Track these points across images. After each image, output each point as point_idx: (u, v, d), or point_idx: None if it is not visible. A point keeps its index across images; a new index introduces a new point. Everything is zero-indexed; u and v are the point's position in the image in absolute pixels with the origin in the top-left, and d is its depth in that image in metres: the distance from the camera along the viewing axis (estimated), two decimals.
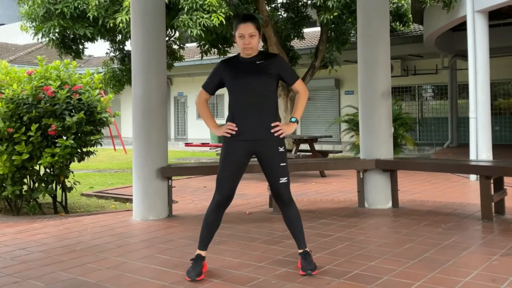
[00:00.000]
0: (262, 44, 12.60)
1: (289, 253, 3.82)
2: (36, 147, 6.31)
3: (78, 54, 11.43)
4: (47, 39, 10.86)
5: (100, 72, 11.76)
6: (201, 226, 3.40)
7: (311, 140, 9.72)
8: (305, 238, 3.42)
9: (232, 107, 3.40)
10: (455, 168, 5.66)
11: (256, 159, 3.41)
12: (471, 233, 4.47)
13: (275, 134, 3.33)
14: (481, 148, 8.36)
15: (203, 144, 14.90)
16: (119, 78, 12.53)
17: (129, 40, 8.39)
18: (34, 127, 6.16)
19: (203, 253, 3.36)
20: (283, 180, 3.34)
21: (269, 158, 3.34)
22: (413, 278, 3.19)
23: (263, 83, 3.33)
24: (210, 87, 3.50)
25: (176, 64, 13.14)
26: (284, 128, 3.35)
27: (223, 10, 9.33)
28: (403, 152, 12.26)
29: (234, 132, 3.33)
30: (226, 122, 3.41)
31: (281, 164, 3.34)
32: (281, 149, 3.37)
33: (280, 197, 3.37)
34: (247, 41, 3.29)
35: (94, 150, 6.89)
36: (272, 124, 3.34)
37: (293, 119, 3.41)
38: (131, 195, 5.61)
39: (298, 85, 3.46)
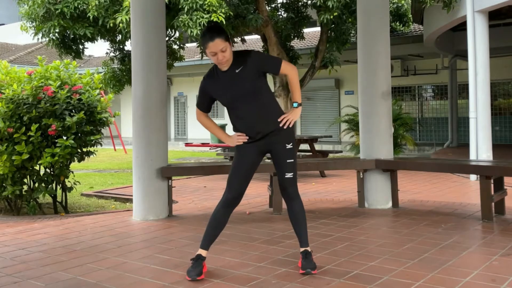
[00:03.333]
0: (262, 44, 12.61)
1: (289, 253, 3.82)
2: (36, 147, 6.31)
3: (78, 54, 11.43)
4: (47, 39, 10.86)
5: (100, 72, 11.77)
6: (206, 226, 3.41)
7: (311, 140, 9.73)
8: (307, 237, 3.42)
9: (232, 119, 3.41)
10: (455, 168, 5.66)
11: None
12: (471, 233, 4.47)
13: (285, 127, 3.34)
14: (481, 148, 8.37)
15: (203, 144, 14.91)
16: (119, 78, 12.52)
17: (129, 40, 8.40)
18: (34, 127, 6.16)
19: (204, 253, 3.36)
20: (289, 175, 3.38)
21: (277, 154, 3.40)
22: (413, 278, 3.19)
23: (250, 87, 3.29)
24: (204, 106, 3.48)
25: (176, 64, 13.14)
26: (290, 117, 3.35)
27: (223, 10, 9.33)
28: (403, 152, 12.26)
29: (246, 140, 3.36)
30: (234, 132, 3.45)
31: (288, 160, 3.38)
32: (289, 146, 3.39)
33: (285, 190, 3.41)
34: (221, 56, 3.20)
35: (94, 150, 6.89)
36: (278, 120, 3.34)
37: (295, 104, 3.40)
38: (131, 195, 5.61)
39: (284, 68, 3.38)
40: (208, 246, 3.39)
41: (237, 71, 3.28)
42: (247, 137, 3.36)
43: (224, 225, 3.42)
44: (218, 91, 3.35)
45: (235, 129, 3.44)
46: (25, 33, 11.15)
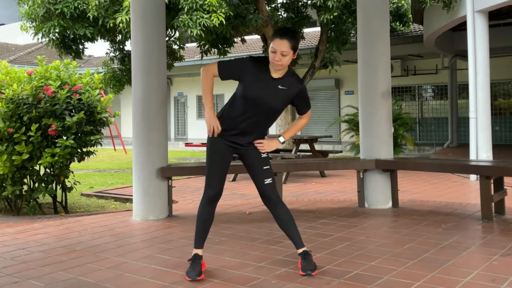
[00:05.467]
0: (262, 44, 12.61)
1: (289, 253, 3.82)
2: (36, 147, 6.31)
3: (78, 54, 11.43)
4: (47, 39, 10.86)
5: (100, 72, 11.76)
6: (195, 226, 3.41)
7: (311, 140, 9.73)
8: (301, 237, 3.41)
9: (232, 105, 3.34)
10: (455, 168, 5.66)
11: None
12: (471, 233, 4.47)
13: (253, 147, 3.35)
14: (481, 148, 8.36)
15: (203, 144, 14.89)
16: (119, 78, 12.52)
17: (129, 40, 8.40)
18: (34, 127, 6.16)
19: (200, 251, 3.37)
20: (268, 181, 3.37)
21: (252, 163, 3.39)
22: (413, 278, 3.19)
23: (276, 107, 3.29)
24: (225, 72, 3.30)
25: (176, 64, 13.13)
26: (266, 146, 3.34)
27: (223, 10, 9.33)
28: (403, 152, 12.26)
29: (215, 135, 3.31)
30: (218, 115, 3.37)
31: (264, 167, 3.38)
32: (264, 155, 3.40)
33: (267, 197, 3.38)
34: (278, 57, 3.14)
35: (94, 150, 6.89)
36: (256, 142, 3.34)
37: (280, 139, 3.38)
38: (131, 195, 5.61)
39: (306, 116, 3.45)
40: (202, 244, 3.40)
41: (280, 87, 3.26)
42: (219, 132, 3.30)
43: (212, 220, 3.42)
44: (252, 81, 3.25)
45: (222, 120, 3.34)
46: (25, 33, 11.15)
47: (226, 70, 3.30)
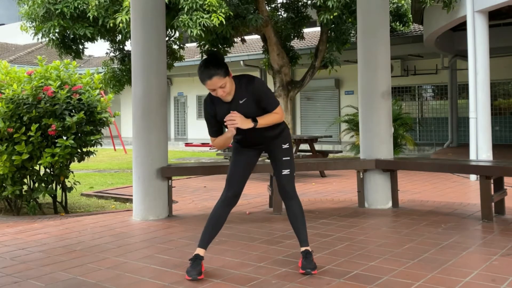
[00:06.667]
0: (262, 44, 12.61)
1: (289, 253, 3.82)
2: (36, 147, 6.31)
3: (78, 54, 11.44)
4: (47, 39, 10.86)
5: (100, 72, 11.77)
6: (204, 225, 3.41)
7: (311, 140, 9.73)
8: (307, 236, 3.42)
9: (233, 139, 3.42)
10: (455, 168, 5.66)
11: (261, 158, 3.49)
12: (471, 233, 4.47)
13: (227, 120, 3.19)
14: (481, 148, 8.36)
15: (203, 144, 14.91)
16: (119, 78, 12.53)
17: (129, 40, 8.40)
18: (34, 127, 6.16)
19: (202, 252, 3.36)
20: (286, 172, 3.41)
21: (274, 154, 3.46)
22: (413, 278, 3.19)
23: (255, 115, 3.26)
24: (215, 130, 3.39)
25: (176, 64, 13.14)
26: (238, 120, 3.17)
27: (223, 10, 9.33)
28: (403, 152, 12.27)
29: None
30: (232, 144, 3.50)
31: (284, 158, 3.43)
32: (285, 146, 3.45)
33: (283, 188, 3.42)
34: (220, 92, 3.14)
35: (94, 150, 6.89)
36: (229, 116, 3.19)
37: (254, 121, 3.25)
38: (131, 195, 5.61)
39: (277, 111, 3.32)
40: (207, 245, 3.39)
41: (241, 102, 3.24)
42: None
43: (222, 224, 3.43)
44: (221, 116, 3.28)
45: (237, 144, 3.49)
46: (25, 33, 11.16)
47: (214, 132, 3.38)
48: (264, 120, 3.27)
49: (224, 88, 3.14)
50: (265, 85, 3.36)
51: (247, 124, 3.20)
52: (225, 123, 3.22)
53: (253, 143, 3.46)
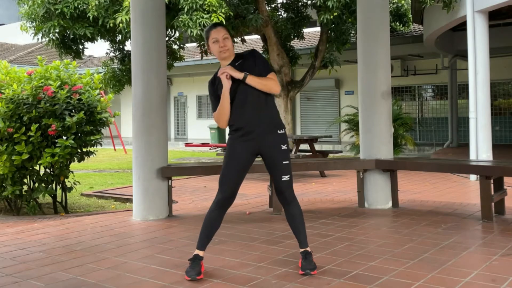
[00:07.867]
0: (262, 44, 12.61)
1: (289, 253, 3.82)
2: (36, 147, 6.31)
3: (78, 54, 11.44)
4: (47, 39, 10.86)
5: (100, 72, 11.77)
6: (201, 226, 3.41)
7: (311, 140, 9.72)
8: (306, 238, 3.41)
9: (234, 114, 3.38)
10: (455, 168, 5.66)
11: (260, 159, 3.44)
12: (471, 233, 4.47)
13: (220, 74, 3.32)
14: (481, 148, 8.36)
15: (203, 144, 14.90)
16: (119, 78, 12.53)
17: (129, 40, 8.40)
18: (34, 127, 6.16)
19: (201, 253, 3.36)
20: (285, 178, 3.37)
21: (272, 156, 3.37)
22: (413, 278, 3.19)
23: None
24: (214, 103, 3.47)
25: (176, 64, 13.14)
26: (228, 69, 3.27)
27: (223, 10, 9.33)
28: (403, 152, 12.26)
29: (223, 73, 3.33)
30: (228, 123, 3.42)
31: (284, 162, 3.37)
32: (284, 147, 3.39)
33: (282, 194, 3.40)
34: (222, 43, 3.32)
35: (94, 150, 6.90)
36: (222, 71, 3.31)
37: (245, 74, 3.29)
38: (131, 195, 5.61)
39: (271, 77, 3.36)
40: (205, 246, 3.39)
41: (236, 64, 3.38)
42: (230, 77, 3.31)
43: (218, 225, 3.41)
44: (221, 87, 3.37)
45: (232, 126, 3.39)
46: (25, 33, 11.15)
47: (214, 104, 3.45)
48: (256, 79, 3.32)
49: (227, 40, 3.33)
50: (261, 54, 3.50)
51: (238, 74, 3.30)
52: (219, 76, 3.33)
53: (250, 130, 3.33)
